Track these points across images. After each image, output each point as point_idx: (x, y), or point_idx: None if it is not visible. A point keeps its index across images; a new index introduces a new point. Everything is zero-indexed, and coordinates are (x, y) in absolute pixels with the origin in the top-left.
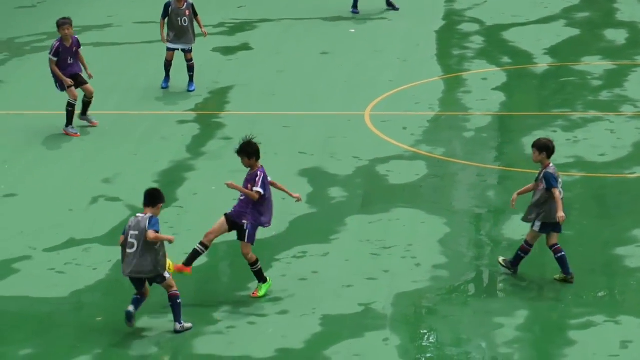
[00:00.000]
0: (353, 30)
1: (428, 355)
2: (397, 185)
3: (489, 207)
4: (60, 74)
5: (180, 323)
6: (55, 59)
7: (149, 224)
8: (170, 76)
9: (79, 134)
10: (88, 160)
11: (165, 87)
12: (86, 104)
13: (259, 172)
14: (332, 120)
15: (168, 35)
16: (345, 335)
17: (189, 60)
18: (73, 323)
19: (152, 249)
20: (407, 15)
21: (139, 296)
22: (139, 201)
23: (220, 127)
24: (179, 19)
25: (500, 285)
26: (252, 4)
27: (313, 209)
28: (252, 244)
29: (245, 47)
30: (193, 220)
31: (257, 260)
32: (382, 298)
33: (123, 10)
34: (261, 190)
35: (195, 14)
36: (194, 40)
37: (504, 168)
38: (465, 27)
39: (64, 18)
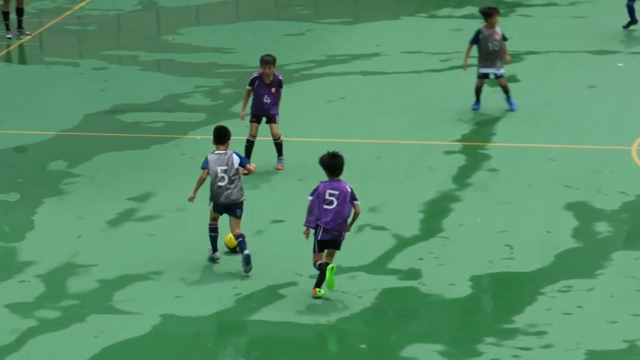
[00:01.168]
0: (621, 64)
1: None
2: None
3: None
4: (244, 104)
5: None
6: (249, 87)
7: (240, 158)
8: (481, 99)
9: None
10: (354, 188)
11: (476, 109)
12: (276, 146)
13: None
14: (598, 154)
15: (480, 61)
16: None
17: (503, 85)
18: (336, 350)
19: (238, 179)
20: None
21: (216, 234)
22: (405, 230)
23: (486, 159)
24: (489, 44)
25: None
26: (519, 36)
27: (578, 243)
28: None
29: (512, 78)
30: (458, 251)
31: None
32: None
33: (391, 40)
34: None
35: (504, 39)
36: (502, 65)
37: None
38: None
39: (268, 55)
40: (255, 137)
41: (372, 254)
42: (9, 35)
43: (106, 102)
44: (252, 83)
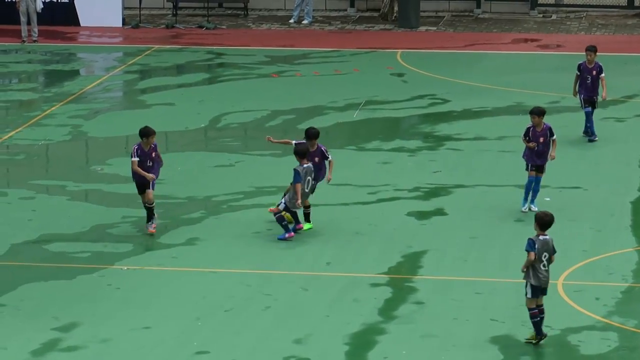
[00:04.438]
0: (548, 199)
1: None
2: (587, 355)
3: None
4: (141, 171)
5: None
6: (136, 159)
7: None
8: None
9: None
10: (279, 321)
11: None
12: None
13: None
14: (524, 287)
15: None
16: None
17: None
18: None
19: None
20: (602, 185)
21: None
22: None
23: (412, 291)
24: None
25: None
26: (447, 169)
27: None
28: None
29: (440, 212)
30: None
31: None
32: None
33: None
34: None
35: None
36: None
37: None
38: None
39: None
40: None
41: None
42: None
43: (33, 232)
44: (135, 154)
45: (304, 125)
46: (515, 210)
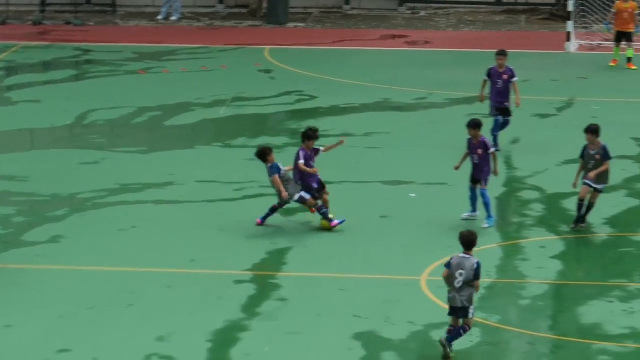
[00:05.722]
0: (413, 195)
1: None
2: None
3: None
4: None
5: None
6: None
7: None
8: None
9: None
10: (143, 318)
11: None
12: None
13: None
14: (388, 284)
15: None
16: None
17: None
18: None
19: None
20: (467, 181)
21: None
22: None
23: (276, 288)
24: None
25: None
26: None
27: None
28: None
29: (304, 208)
30: None
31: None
32: None
33: (185, 169)
34: None
35: None
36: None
37: (558, 337)
38: (526, 194)
39: None
40: None
41: None
42: None
43: None
44: None
45: (171, 122)
46: (377, 206)
